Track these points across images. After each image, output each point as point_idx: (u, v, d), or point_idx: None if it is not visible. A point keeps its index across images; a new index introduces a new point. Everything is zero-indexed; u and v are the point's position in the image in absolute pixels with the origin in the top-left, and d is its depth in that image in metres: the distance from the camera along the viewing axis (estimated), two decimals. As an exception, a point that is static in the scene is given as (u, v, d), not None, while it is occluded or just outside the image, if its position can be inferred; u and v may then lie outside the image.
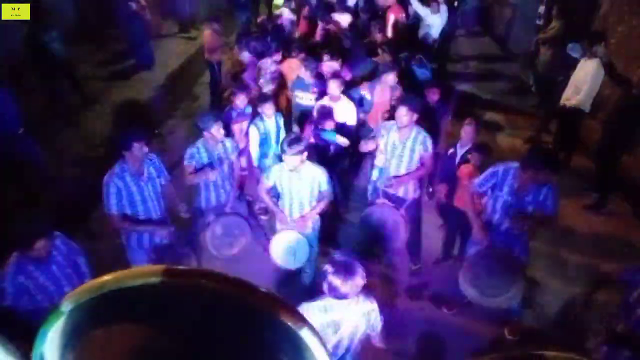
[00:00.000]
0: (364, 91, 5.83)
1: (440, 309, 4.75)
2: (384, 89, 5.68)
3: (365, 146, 4.87)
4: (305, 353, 0.69)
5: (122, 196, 4.05)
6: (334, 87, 5.42)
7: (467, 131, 4.93)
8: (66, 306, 0.68)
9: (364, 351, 3.26)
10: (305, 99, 5.94)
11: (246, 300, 0.67)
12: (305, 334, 0.67)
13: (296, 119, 6.06)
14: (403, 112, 4.52)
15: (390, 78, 5.58)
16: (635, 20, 6.54)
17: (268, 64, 6.49)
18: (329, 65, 6.23)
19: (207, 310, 0.68)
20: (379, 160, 4.86)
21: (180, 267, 0.67)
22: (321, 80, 5.92)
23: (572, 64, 6.39)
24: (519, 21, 9.98)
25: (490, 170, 4.08)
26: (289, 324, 0.67)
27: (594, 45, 5.92)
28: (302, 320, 0.68)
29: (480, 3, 12.47)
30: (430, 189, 6.12)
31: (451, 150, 5.08)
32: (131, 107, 8.20)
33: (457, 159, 4.96)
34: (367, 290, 3.06)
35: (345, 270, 2.82)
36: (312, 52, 6.81)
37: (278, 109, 5.63)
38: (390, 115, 5.26)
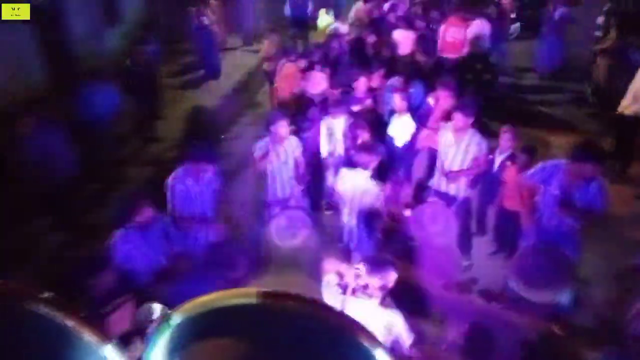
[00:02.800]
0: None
1: (490, 303, 4.92)
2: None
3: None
4: None
5: (183, 197, 4.48)
6: (398, 100, 5.74)
7: (505, 138, 5.16)
8: (175, 319, 0.75)
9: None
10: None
11: (331, 322, 0.73)
12: (379, 354, 0.73)
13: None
14: (459, 117, 4.82)
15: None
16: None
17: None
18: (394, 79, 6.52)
19: (297, 331, 0.74)
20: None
21: (276, 290, 0.73)
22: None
23: (631, 73, 6.44)
24: (577, 32, 9.97)
25: (539, 165, 4.29)
26: (366, 345, 0.72)
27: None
28: (378, 342, 0.73)
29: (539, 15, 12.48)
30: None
31: (489, 157, 5.26)
32: (199, 114, 8.84)
33: (497, 165, 5.20)
34: (393, 299, 3.18)
35: (377, 267, 3.00)
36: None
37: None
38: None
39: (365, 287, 2.97)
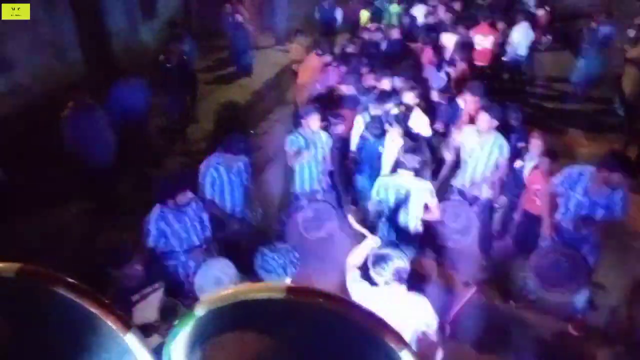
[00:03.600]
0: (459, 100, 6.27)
1: (507, 302, 5.05)
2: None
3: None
4: None
5: (213, 184, 4.63)
6: (409, 97, 5.87)
7: (535, 145, 5.18)
8: (199, 310, 0.75)
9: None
10: None
11: (356, 320, 0.72)
12: (405, 355, 0.72)
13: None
14: (484, 118, 4.97)
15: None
16: None
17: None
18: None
19: (321, 327, 0.74)
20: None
21: (302, 286, 0.74)
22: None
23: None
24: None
25: (567, 170, 4.36)
26: (392, 345, 0.72)
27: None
28: (404, 343, 0.73)
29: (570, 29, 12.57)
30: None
31: (519, 163, 5.35)
32: (231, 108, 9.12)
33: (526, 171, 5.25)
34: (420, 284, 3.28)
35: (381, 258, 3.04)
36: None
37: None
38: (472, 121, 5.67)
39: (398, 272, 3.01)
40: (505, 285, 5.19)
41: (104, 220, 5.78)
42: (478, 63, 8.61)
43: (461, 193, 5.26)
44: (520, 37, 9.23)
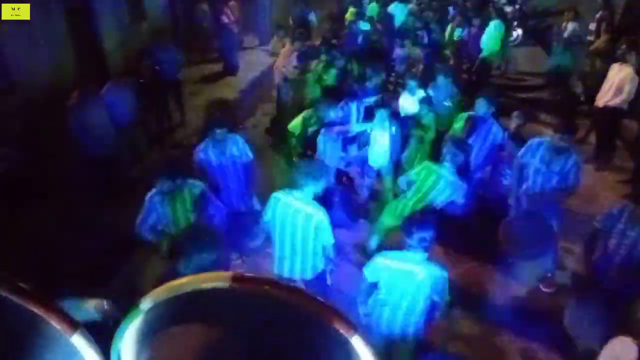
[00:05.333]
0: None
1: (485, 266, 5.47)
2: None
3: None
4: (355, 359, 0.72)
5: (206, 167, 4.83)
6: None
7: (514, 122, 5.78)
8: (145, 305, 0.74)
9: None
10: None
11: (304, 307, 0.72)
12: (355, 341, 0.71)
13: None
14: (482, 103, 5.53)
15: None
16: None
17: None
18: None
19: (269, 315, 0.73)
20: None
21: (247, 274, 0.73)
22: None
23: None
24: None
25: (529, 141, 4.89)
26: (342, 331, 0.71)
27: (627, 53, 6.69)
28: (354, 328, 0.71)
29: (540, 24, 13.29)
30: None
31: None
32: (219, 104, 9.53)
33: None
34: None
35: (418, 224, 3.32)
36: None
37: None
38: None
39: (422, 239, 3.25)
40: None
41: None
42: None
43: None
44: (494, 32, 9.78)
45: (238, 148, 5.07)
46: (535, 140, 4.86)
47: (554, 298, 5.04)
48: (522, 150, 4.94)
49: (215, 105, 9.47)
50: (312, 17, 12.21)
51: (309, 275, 4.12)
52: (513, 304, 5.05)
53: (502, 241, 4.77)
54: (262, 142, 8.09)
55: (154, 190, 4.24)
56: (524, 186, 4.95)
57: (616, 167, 7.24)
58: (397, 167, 6.08)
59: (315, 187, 3.85)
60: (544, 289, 5.20)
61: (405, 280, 3.36)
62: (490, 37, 9.71)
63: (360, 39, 9.62)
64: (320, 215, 3.81)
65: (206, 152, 4.93)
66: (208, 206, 4.43)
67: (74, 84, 6.61)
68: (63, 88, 6.60)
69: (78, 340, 0.72)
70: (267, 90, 10.94)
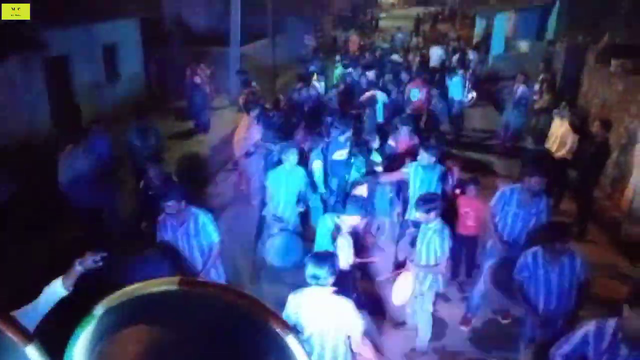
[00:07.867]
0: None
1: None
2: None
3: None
4: (291, 358, 0.78)
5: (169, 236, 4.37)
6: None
7: (454, 171, 6.12)
8: (98, 310, 0.77)
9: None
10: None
11: (245, 309, 0.77)
12: (290, 340, 0.77)
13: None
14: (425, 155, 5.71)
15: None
16: (608, 95, 8.07)
17: None
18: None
19: (212, 316, 0.78)
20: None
21: (193, 278, 0.86)
22: None
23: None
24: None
25: (499, 192, 5.14)
26: (278, 330, 0.77)
27: (564, 109, 7.55)
28: (289, 328, 0.77)
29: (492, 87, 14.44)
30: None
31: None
32: (191, 160, 9.87)
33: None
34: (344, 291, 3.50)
35: (320, 259, 3.34)
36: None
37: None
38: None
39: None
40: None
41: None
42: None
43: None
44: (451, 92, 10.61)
45: (197, 226, 4.40)
46: (507, 188, 5.13)
47: (512, 328, 5.31)
48: (494, 200, 5.16)
49: (188, 159, 9.81)
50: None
51: None
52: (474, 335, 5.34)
53: (490, 287, 5.06)
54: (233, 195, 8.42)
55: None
56: (505, 232, 5.08)
57: (560, 210, 7.80)
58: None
59: None
60: (502, 321, 5.51)
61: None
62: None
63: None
64: None
65: (165, 227, 4.40)
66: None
67: (48, 137, 6.84)
68: (38, 140, 6.82)
69: (32, 352, 0.76)
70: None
